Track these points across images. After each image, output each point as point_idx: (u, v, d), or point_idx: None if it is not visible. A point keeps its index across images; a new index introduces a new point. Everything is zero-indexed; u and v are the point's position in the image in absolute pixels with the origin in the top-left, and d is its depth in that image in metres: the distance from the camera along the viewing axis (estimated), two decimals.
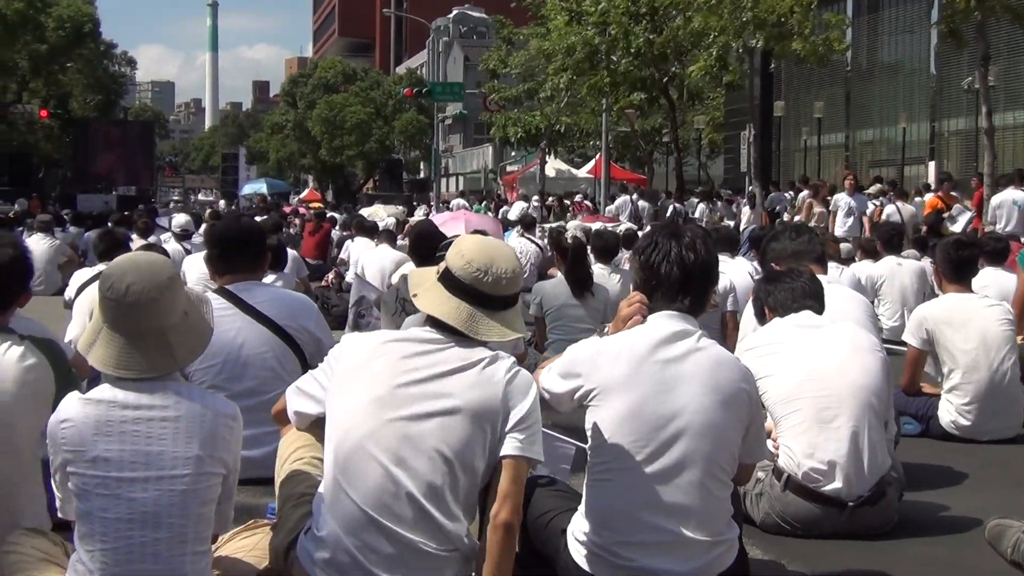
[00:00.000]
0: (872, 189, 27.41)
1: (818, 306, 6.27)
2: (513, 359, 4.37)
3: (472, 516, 4.28)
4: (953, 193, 25.23)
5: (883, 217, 23.13)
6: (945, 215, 22.31)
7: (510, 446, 4.22)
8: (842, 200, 23.37)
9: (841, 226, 22.67)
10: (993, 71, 26.94)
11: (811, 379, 5.89)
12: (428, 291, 4.40)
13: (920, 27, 47.62)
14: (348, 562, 4.14)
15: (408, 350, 4.32)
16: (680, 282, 4.71)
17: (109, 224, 19.09)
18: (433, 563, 4.15)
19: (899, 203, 24.49)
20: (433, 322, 4.37)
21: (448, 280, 4.36)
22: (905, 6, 50.24)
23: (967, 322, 8.17)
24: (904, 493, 6.15)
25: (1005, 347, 8.14)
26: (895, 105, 50.17)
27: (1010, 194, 21.38)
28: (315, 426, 4.53)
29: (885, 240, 13.11)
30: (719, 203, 34.20)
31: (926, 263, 13.52)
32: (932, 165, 43.26)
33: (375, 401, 4.22)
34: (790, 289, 6.28)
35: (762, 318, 6.43)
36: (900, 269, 12.71)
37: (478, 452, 4.20)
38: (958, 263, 8.47)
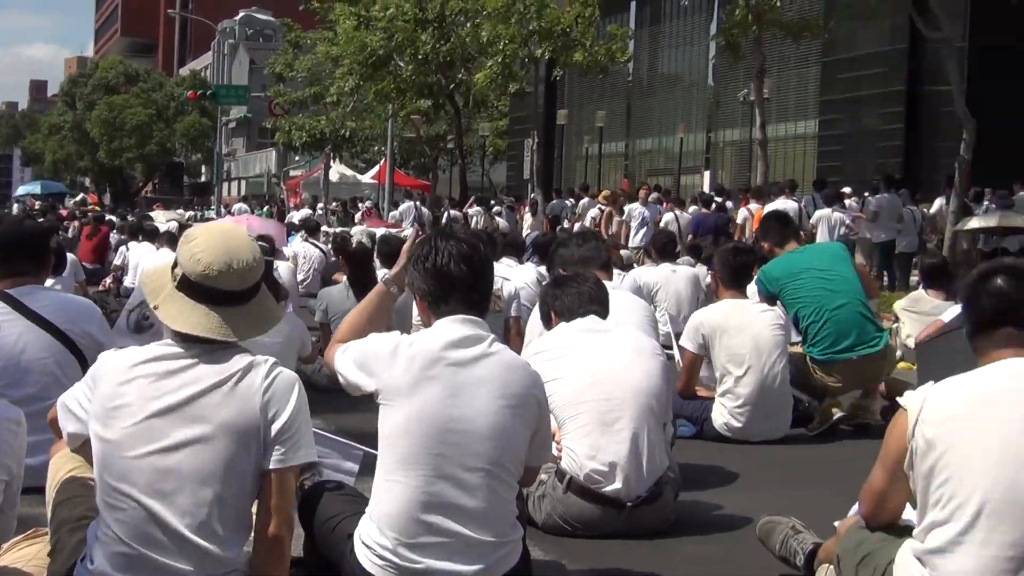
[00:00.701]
0: (651, 198, 28.00)
1: (603, 311, 6.40)
2: (272, 361, 4.19)
3: (249, 529, 4.17)
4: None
5: (662, 224, 23.65)
6: None
7: (273, 459, 4.08)
8: (636, 210, 23.78)
9: (635, 235, 23.04)
10: (768, 84, 27.81)
11: (595, 383, 5.99)
12: (169, 302, 4.13)
13: (699, 40, 48.79)
14: None
15: (159, 369, 4.09)
16: (470, 278, 4.76)
17: None
18: None
19: (677, 211, 25.09)
20: (180, 334, 4.13)
21: (189, 288, 4.11)
22: (685, 19, 51.44)
23: (741, 328, 8.43)
24: (680, 493, 6.32)
25: (776, 351, 8.43)
26: (674, 116, 51.40)
27: (781, 204, 22.09)
28: (85, 446, 4.31)
29: (659, 247, 13.43)
30: (502, 208, 34.54)
31: (700, 269, 13.92)
32: (707, 175, 44.38)
33: (128, 437, 4.02)
34: (576, 294, 6.39)
35: (548, 323, 6.55)
36: (674, 276, 13.03)
37: (244, 470, 4.07)
38: (736, 268, 8.74)
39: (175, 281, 4.11)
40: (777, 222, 10.20)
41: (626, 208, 24.80)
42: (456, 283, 4.76)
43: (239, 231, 4.27)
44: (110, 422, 4.03)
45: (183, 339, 4.09)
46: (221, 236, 4.14)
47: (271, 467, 4.06)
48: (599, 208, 28.14)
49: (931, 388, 4.11)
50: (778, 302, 9.16)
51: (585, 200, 30.70)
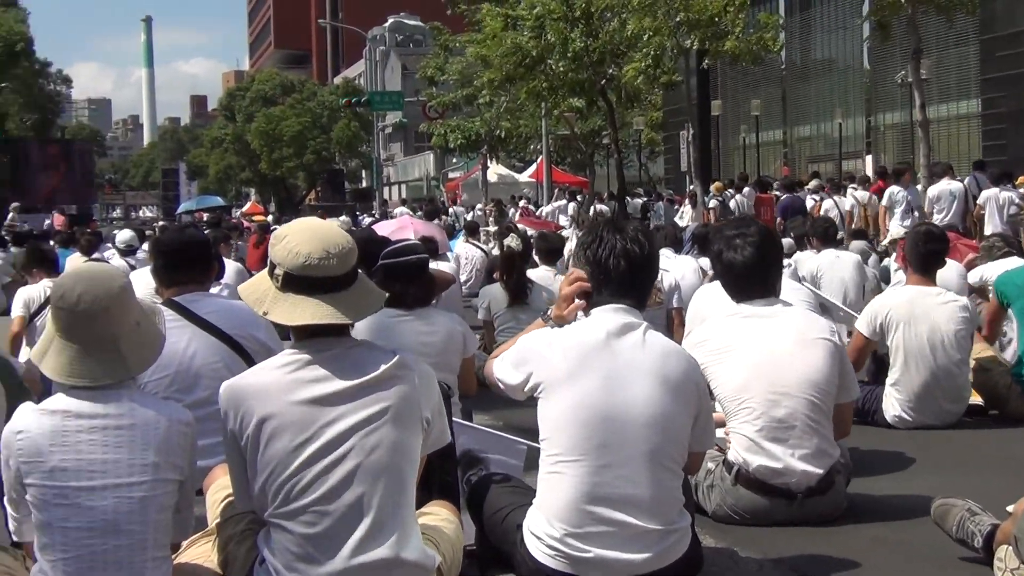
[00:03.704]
0: (811, 184, 27.63)
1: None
2: (406, 353, 4.23)
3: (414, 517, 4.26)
4: None
5: (822, 212, 23.23)
6: None
7: (424, 444, 4.26)
8: (899, 194, 22.63)
9: (900, 220, 21.85)
10: (925, 64, 27.19)
11: (759, 375, 5.87)
12: (278, 304, 4.12)
13: (851, 23, 48.08)
14: None
15: (312, 381, 4.09)
16: (627, 275, 4.78)
17: (52, 242, 19.13)
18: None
19: (836, 198, 24.66)
20: (301, 333, 4.17)
21: (292, 284, 4.10)
22: (836, 3, 50.86)
23: (921, 319, 8.14)
24: (851, 478, 6.23)
25: (954, 345, 8.15)
26: (830, 101, 50.81)
27: (946, 185, 21.45)
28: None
29: (820, 234, 13.22)
30: (661, 202, 34.39)
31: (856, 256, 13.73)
32: (869, 159, 43.71)
33: (304, 454, 4.04)
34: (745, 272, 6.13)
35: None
36: (838, 262, 12.82)
37: (415, 458, 4.21)
38: (925, 256, 8.38)
39: (277, 283, 4.13)
40: None
41: (886, 192, 23.70)
42: (612, 276, 4.80)
43: (323, 223, 4.34)
44: (277, 440, 4.05)
45: (306, 342, 4.15)
46: (310, 228, 4.18)
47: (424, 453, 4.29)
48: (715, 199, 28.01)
49: None
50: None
51: (747, 189, 30.26)
